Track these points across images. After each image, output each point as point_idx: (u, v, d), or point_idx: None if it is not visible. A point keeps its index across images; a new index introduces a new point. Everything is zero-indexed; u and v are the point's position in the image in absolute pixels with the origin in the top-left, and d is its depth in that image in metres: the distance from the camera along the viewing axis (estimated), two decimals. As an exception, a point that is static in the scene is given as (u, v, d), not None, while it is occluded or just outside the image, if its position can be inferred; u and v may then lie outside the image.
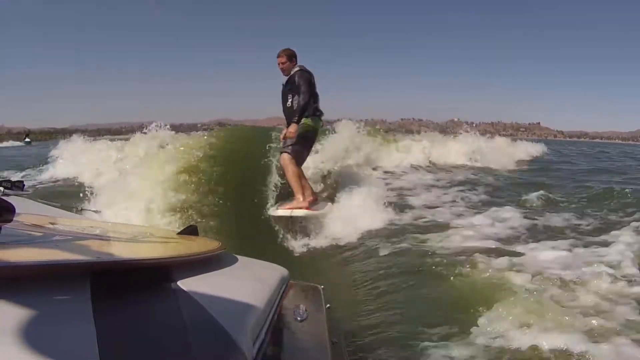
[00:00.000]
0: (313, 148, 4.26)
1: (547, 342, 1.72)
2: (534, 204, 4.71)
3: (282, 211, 3.71)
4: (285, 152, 3.78)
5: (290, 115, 3.80)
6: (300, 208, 3.69)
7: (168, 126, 6.30)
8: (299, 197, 3.77)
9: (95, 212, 2.50)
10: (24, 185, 1.24)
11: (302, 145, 3.86)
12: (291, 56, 3.88)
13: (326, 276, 2.66)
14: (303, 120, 3.75)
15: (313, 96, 3.84)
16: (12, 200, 0.75)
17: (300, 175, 3.89)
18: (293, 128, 3.73)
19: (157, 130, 6.22)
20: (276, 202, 3.97)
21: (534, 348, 1.71)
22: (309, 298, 0.99)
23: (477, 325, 1.91)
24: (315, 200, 3.99)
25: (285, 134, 3.80)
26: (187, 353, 0.53)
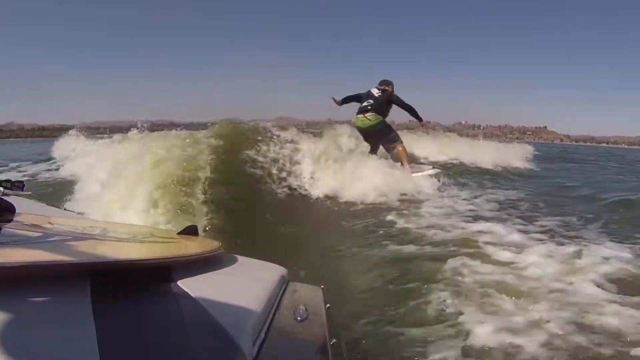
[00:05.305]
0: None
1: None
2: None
3: (421, 174, 5.62)
4: (399, 143, 6.05)
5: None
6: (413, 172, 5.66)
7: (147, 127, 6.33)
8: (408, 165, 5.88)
9: (80, 213, 2.46)
10: (24, 185, 1.24)
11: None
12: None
13: (326, 276, 2.66)
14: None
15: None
16: (12, 200, 0.75)
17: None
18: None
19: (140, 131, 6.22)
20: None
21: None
22: (309, 298, 0.98)
23: (478, 325, 1.91)
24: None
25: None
26: (187, 353, 0.53)
